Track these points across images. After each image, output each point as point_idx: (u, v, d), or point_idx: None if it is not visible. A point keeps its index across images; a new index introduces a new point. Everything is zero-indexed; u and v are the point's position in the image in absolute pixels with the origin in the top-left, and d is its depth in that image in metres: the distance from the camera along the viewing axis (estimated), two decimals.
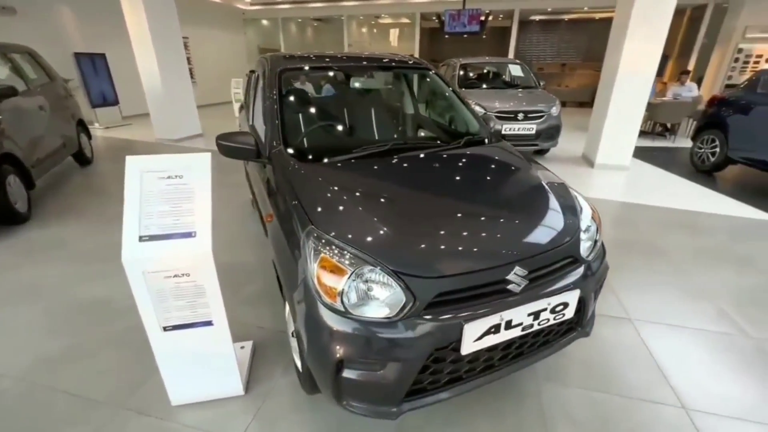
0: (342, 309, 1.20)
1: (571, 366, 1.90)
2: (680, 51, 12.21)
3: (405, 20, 15.39)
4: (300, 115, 2.09)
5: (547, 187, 1.70)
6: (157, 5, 6.29)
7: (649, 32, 4.63)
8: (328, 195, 1.50)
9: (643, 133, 7.86)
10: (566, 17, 14.80)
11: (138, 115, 9.30)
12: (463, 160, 1.88)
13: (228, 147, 1.80)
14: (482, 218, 1.46)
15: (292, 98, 2.03)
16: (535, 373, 1.84)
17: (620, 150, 5.29)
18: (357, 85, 2.35)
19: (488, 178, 1.79)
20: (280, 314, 2.19)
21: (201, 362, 1.60)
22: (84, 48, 8.25)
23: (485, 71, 7.45)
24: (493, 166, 1.90)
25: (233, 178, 4.71)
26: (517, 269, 1.30)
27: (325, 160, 1.75)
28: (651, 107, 7.23)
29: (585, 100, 12.89)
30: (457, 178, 1.72)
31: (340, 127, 2.13)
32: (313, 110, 2.21)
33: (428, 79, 2.43)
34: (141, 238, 1.36)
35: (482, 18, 10.23)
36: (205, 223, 1.41)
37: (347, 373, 1.22)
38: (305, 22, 16.06)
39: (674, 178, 5.12)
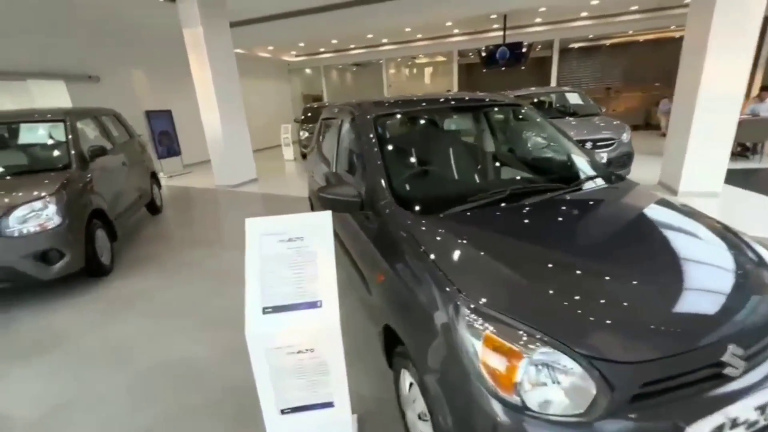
0: (518, 403, 0.96)
1: None
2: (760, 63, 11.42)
3: (440, 58, 15.80)
4: (402, 162, 1.97)
5: (733, 239, 1.41)
6: (221, 64, 6.79)
7: (734, 47, 4.27)
8: (465, 253, 1.31)
9: None
10: (607, 42, 14.54)
11: (196, 163, 9.92)
12: (606, 206, 1.65)
13: (333, 200, 1.69)
14: (670, 282, 1.19)
15: (390, 145, 1.92)
16: None
17: (709, 175, 4.78)
18: (453, 126, 2.24)
19: (650, 230, 1.51)
20: (380, 380, 1.97)
21: None
22: (153, 106, 9.04)
23: (536, 101, 7.28)
24: (648, 214, 1.61)
25: None
26: (732, 347, 1.01)
27: (446, 212, 1.57)
28: None
29: (637, 123, 12.25)
30: (612, 229, 1.47)
31: (447, 173, 1.97)
32: (414, 156, 2.09)
33: (521, 116, 2.28)
34: (264, 310, 1.23)
35: (523, 50, 10.23)
36: (331, 290, 1.26)
37: None
38: (344, 68, 16.93)
39: None
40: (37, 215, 2.97)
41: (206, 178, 8.07)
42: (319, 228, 1.33)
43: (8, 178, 3.32)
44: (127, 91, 8.59)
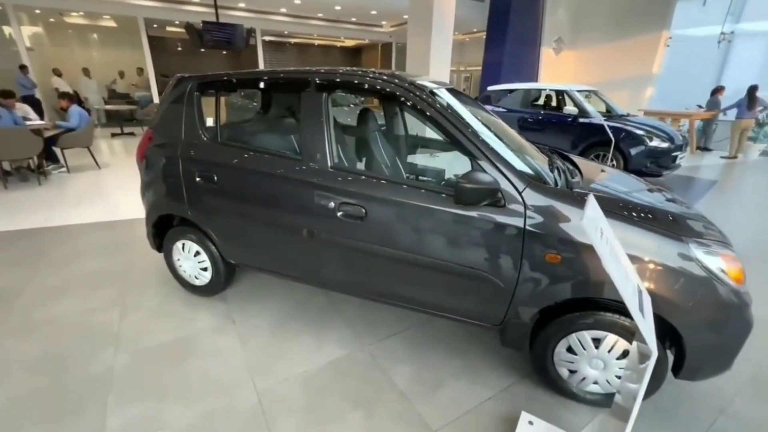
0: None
1: None
2: None
3: (110, 22, 11.98)
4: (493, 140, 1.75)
5: None
6: None
7: (444, 58, 6.29)
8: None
9: None
10: (292, 41, 16.32)
11: None
12: None
13: (472, 191, 1.45)
14: None
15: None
16: None
17: None
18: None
19: None
20: None
21: None
22: None
23: None
24: None
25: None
26: None
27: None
28: None
29: None
30: None
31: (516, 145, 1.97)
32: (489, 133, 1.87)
33: None
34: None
35: (245, 33, 9.83)
36: (634, 272, 1.23)
37: None
38: None
39: None
40: None
41: None
42: (596, 219, 1.20)
43: None
44: None
